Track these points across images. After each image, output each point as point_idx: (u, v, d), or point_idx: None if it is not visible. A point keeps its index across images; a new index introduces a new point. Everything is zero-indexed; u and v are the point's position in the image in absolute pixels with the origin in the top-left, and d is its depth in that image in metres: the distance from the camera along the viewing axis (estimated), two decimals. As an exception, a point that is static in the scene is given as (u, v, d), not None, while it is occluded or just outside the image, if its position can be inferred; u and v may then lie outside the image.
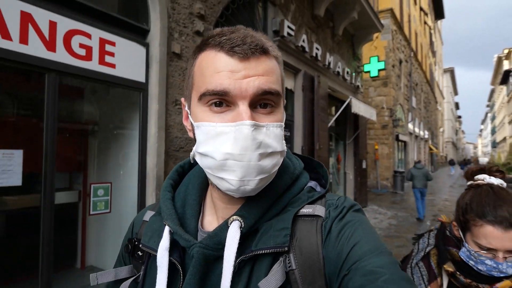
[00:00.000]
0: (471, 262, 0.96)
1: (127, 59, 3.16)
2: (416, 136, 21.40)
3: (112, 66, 3.02)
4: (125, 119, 3.53)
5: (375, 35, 9.72)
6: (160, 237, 0.57)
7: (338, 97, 8.02)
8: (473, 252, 0.96)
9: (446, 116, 56.92)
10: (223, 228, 0.53)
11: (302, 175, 0.63)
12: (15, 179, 2.36)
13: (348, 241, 0.49)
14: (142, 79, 3.31)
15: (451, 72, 62.01)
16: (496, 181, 1.01)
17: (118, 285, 0.62)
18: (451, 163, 34.03)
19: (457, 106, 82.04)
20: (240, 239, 0.51)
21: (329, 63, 7.33)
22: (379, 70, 9.96)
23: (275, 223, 0.53)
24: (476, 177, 1.05)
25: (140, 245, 0.61)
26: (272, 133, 0.51)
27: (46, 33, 2.54)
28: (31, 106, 2.87)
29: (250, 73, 0.49)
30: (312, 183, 0.63)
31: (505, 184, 1.01)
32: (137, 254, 0.63)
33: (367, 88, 14.18)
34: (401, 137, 15.87)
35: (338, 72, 7.90)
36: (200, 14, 3.87)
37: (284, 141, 0.55)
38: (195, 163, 0.64)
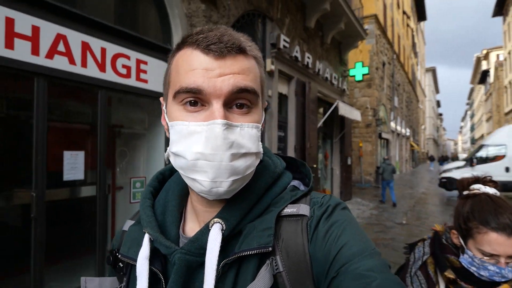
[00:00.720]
0: (473, 268, 0.99)
1: (156, 75, 3.81)
2: (398, 134, 22.63)
3: (145, 81, 3.68)
4: (152, 124, 4.20)
5: (360, 42, 10.58)
6: (139, 246, 0.55)
7: (326, 100, 8.83)
8: (476, 259, 0.98)
9: (428, 113, 59.22)
10: (204, 231, 0.52)
11: (284, 174, 0.62)
12: (80, 174, 3.02)
13: (336, 242, 0.48)
14: (167, 91, 3.98)
15: (433, 71, 64.37)
16: (491, 190, 1.06)
17: None
18: (431, 159, 35.91)
19: (438, 104, 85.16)
20: (222, 242, 0.50)
21: (319, 70, 8.11)
22: (363, 75, 10.87)
23: (258, 224, 0.52)
24: (472, 187, 1.11)
25: (119, 256, 0.59)
26: (246, 133, 0.50)
27: (99, 57, 3.18)
28: (88, 116, 3.49)
29: (226, 71, 0.48)
30: (295, 182, 0.62)
31: (498, 193, 1.06)
32: (118, 266, 0.61)
33: (352, 90, 15.10)
34: (384, 135, 16.94)
35: (327, 78, 8.70)
36: (212, 34, 4.55)
37: (260, 143, 0.54)
38: (176, 169, 0.63)
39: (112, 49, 3.31)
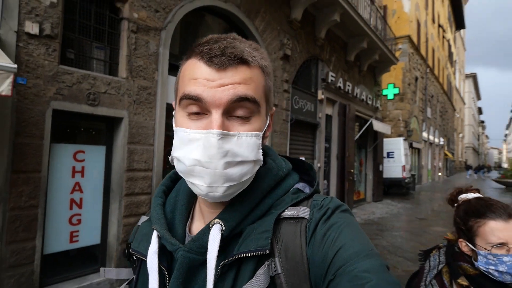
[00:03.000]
0: (492, 268, 0.99)
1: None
2: (431, 143, 23.58)
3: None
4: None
5: (393, 66, 12.37)
6: (148, 242, 0.58)
7: (362, 117, 10.77)
8: (489, 255, 0.99)
9: (467, 121, 57.51)
10: (205, 231, 0.54)
11: (289, 176, 0.64)
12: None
13: (333, 244, 0.49)
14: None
15: (473, 77, 62.35)
16: (475, 195, 1.18)
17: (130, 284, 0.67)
18: (468, 167, 35.86)
19: (480, 111, 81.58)
20: (222, 243, 0.52)
21: (357, 94, 10.09)
22: (394, 94, 12.63)
23: (258, 226, 0.54)
24: (459, 197, 1.22)
25: (131, 250, 0.63)
26: (244, 142, 0.52)
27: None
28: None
29: (226, 81, 0.51)
30: (300, 185, 0.64)
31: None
32: (132, 259, 0.65)
33: (385, 103, 16.71)
34: (415, 145, 18.26)
35: (363, 99, 10.64)
36: (286, 79, 6.78)
37: (260, 150, 0.55)
38: None
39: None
